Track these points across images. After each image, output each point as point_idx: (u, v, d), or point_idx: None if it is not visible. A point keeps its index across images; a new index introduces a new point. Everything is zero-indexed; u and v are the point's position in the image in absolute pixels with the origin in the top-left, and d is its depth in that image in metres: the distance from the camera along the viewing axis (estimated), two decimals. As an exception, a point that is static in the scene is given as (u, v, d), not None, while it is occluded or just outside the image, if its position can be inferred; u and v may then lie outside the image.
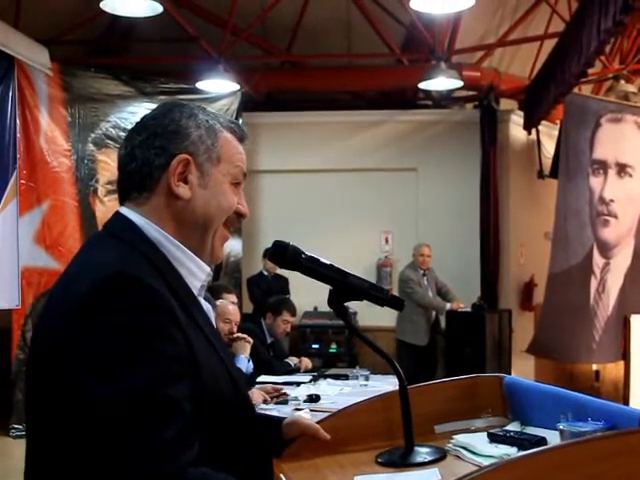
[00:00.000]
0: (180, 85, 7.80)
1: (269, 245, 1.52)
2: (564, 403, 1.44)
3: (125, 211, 1.33)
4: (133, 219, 1.31)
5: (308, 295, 7.74)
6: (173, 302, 1.21)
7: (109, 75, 7.36)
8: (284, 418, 1.59)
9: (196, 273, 1.35)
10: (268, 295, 6.65)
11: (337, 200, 8.69)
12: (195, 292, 1.34)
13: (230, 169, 1.37)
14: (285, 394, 3.66)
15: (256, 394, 3.37)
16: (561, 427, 1.34)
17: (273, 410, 3.30)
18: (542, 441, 1.41)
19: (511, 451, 1.41)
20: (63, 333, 1.16)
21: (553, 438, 1.39)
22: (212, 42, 7.65)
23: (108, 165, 7.09)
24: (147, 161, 1.32)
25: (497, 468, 1.13)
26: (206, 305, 1.39)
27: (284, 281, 7.82)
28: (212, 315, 1.40)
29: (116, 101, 7.34)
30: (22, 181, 6.44)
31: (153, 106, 1.45)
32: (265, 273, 7.93)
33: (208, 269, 1.38)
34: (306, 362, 5.09)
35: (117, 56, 8.79)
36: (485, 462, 1.35)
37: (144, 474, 1.10)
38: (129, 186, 1.34)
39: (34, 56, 6.45)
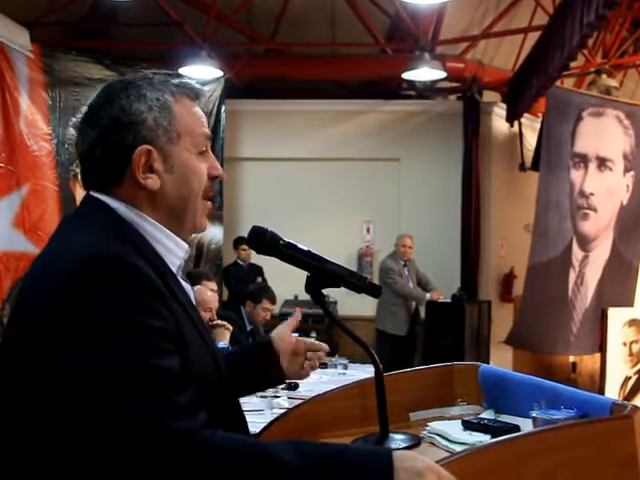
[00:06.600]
0: (162, 70, 7.72)
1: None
2: (538, 392, 1.45)
3: (97, 194, 1.31)
4: (107, 201, 1.30)
5: (288, 283, 7.78)
6: (156, 279, 1.20)
7: (91, 59, 7.26)
8: (269, 340, 1.65)
9: (174, 251, 1.33)
10: (246, 284, 6.64)
11: (319, 189, 8.68)
12: (174, 270, 1.33)
13: (193, 140, 1.34)
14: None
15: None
16: (534, 415, 1.35)
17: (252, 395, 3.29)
18: (515, 428, 1.42)
19: (484, 438, 1.42)
20: (42, 317, 1.13)
21: (526, 426, 1.40)
22: (196, 28, 7.59)
23: (89, 150, 7.01)
24: (108, 159, 1.29)
25: (469, 454, 1.15)
26: (186, 285, 1.37)
27: (259, 269, 7.83)
28: (192, 295, 1.39)
29: (98, 85, 7.02)
30: (1, 164, 6.35)
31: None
32: (240, 262, 7.93)
33: (186, 246, 1.36)
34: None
35: (99, 40, 8.68)
36: (458, 449, 1.35)
37: (154, 435, 1.06)
38: (96, 180, 1.32)
39: (14, 37, 6.36)
